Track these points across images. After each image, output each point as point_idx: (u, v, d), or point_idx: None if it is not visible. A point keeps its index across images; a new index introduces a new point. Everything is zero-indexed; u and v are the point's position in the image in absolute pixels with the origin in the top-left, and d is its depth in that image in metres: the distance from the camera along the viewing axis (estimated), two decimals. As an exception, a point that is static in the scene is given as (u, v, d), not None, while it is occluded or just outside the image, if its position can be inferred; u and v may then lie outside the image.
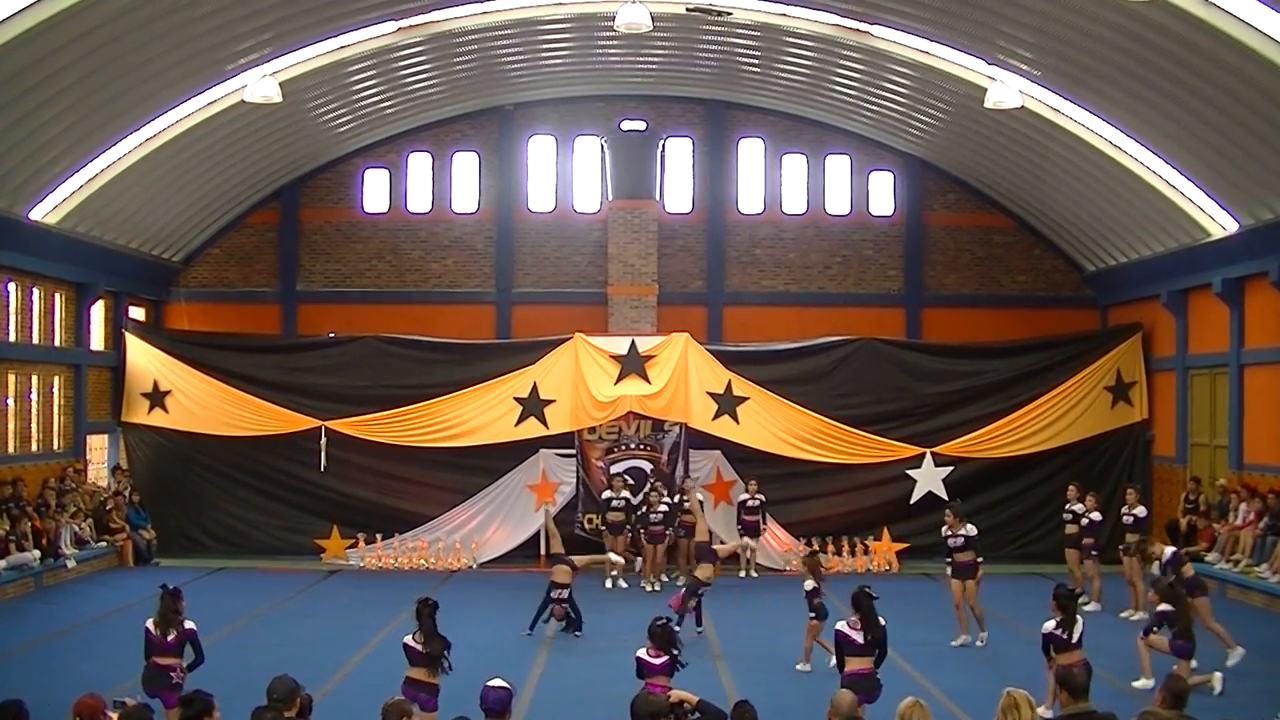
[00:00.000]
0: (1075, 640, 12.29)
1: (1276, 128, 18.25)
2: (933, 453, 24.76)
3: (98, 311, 25.43)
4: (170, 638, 11.42)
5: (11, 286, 22.36)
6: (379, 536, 24.53)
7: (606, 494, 23.30)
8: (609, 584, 21.63)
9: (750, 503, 23.39)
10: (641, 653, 10.84)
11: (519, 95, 27.64)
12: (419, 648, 11.05)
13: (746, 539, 23.39)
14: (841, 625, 11.79)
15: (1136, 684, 14.06)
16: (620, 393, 24.24)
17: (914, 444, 24.79)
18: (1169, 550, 16.20)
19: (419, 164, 28.28)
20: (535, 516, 24.09)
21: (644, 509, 22.62)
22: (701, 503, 22.99)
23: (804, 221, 28.23)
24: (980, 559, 17.11)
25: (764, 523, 23.59)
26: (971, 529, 17.22)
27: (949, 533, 17.25)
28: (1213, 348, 23.26)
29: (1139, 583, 18.76)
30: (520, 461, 24.71)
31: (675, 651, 10.77)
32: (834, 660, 12.28)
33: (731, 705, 8.70)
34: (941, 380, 25.35)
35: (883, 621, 11.80)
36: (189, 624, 11.54)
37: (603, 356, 24.61)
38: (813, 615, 15.03)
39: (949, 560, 17.22)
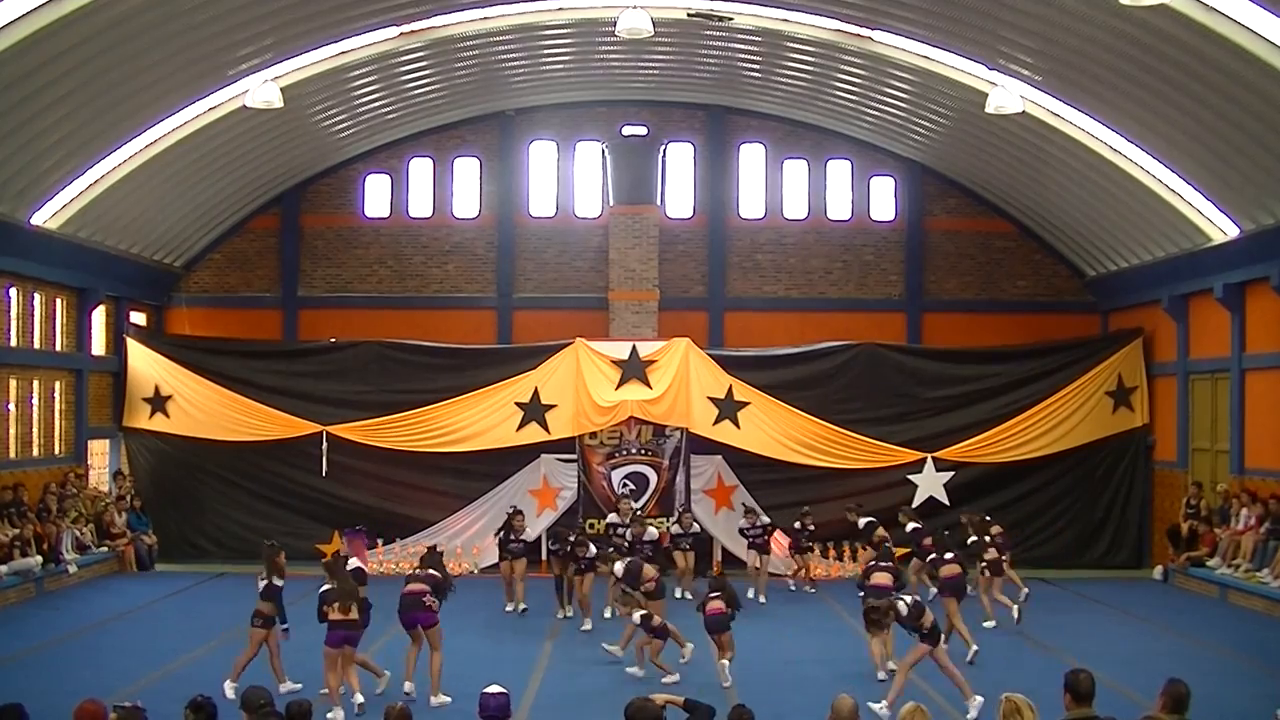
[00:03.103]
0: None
1: (1277, 132, 18.25)
2: (934, 458, 24.76)
3: (99, 316, 25.41)
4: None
5: (13, 291, 22.37)
6: (380, 541, 24.52)
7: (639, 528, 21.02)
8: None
9: (752, 530, 22.17)
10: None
11: (520, 100, 27.66)
12: (330, 585, 13.50)
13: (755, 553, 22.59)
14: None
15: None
16: (621, 398, 24.25)
17: (915, 449, 24.79)
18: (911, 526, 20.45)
19: (420, 169, 28.29)
20: (537, 522, 24.05)
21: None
22: (697, 530, 22.62)
23: (805, 226, 28.22)
24: None
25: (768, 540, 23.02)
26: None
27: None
28: (1214, 352, 23.25)
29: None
30: (521, 466, 24.69)
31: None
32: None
33: (731, 708, 8.67)
34: (942, 385, 25.36)
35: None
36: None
37: (604, 361, 24.61)
38: None
39: None
